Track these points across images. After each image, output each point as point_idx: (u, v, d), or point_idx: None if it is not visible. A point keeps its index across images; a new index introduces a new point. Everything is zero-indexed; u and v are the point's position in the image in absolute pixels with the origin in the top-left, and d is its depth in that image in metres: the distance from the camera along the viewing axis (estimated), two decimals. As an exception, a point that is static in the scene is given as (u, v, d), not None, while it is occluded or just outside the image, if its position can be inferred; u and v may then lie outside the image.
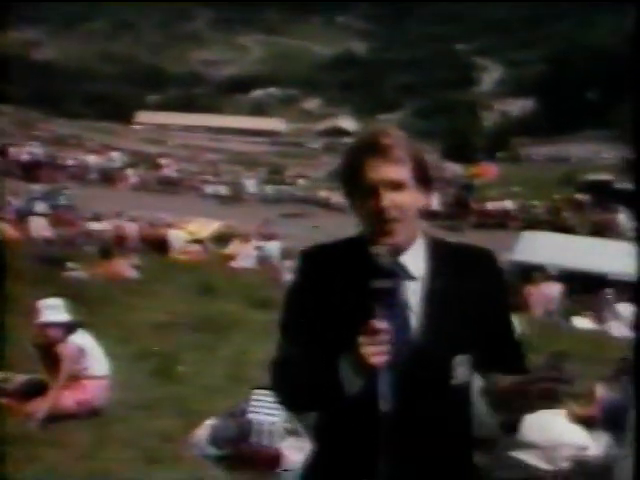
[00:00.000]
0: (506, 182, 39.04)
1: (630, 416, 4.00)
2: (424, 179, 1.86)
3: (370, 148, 1.82)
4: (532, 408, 1.82)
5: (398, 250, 1.82)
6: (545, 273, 13.39)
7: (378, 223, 1.80)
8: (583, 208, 31.75)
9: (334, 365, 1.74)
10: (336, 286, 1.85)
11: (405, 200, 1.80)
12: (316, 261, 1.93)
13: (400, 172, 1.81)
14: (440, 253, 1.89)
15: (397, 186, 1.80)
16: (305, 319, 1.88)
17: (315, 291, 1.87)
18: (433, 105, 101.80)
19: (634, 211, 19.55)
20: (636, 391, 3.25)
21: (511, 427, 1.85)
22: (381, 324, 1.70)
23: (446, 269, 1.87)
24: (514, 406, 1.84)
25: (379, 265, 1.75)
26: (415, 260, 1.86)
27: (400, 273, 1.82)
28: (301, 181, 41.13)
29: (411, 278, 1.84)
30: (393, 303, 1.78)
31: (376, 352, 1.69)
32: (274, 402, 4.89)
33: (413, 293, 1.84)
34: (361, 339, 1.70)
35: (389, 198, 1.78)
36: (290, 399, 1.95)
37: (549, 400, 1.57)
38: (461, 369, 1.84)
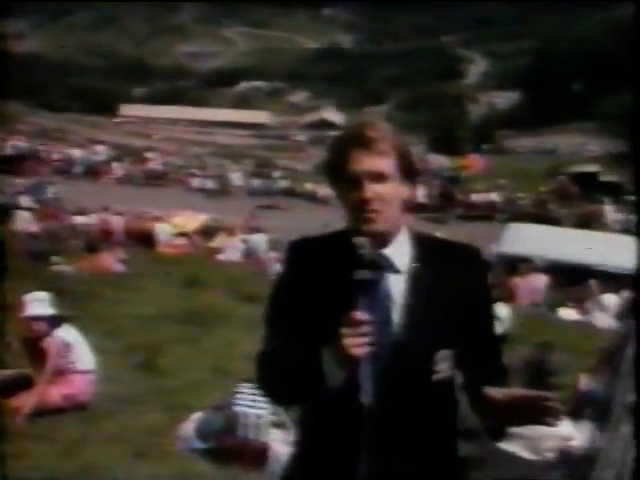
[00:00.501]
0: (492, 174, 39.11)
1: (616, 405, 4.03)
2: (408, 172, 1.87)
3: (355, 140, 1.83)
4: (521, 422, 1.81)
5: (381, 242, 1.83)
6: (531, 265, 13.44)
7: (360, 213, 1.80)
8: (569, 200, 31.90)
9: (317, 357, 1.74)
10: (321, 278, 1.85)
11: (388, 192, 1.81)
12: (303, 253, 1.94)
13: (384, 164, 1.81)
14: (425, 247, 1.90)
15: (380, 178, 1.81)
16: (290, 311, 1.88)
17: (301, 283, 1.88)
18: (419, 97, 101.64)
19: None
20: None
21: (498, 435, 1.85)
22: (363, 315, 1.70)
23: (431, 263, 1.87)
24: (503, 417, 1.86)
25: (360, 256, 1.75)
26: (399, 252, 1.86)
27: (384, 265, 1.83)
28: (288, 174, 41.03)
29: (395, 270, 1.84)
30: (376, 295, 1.78)
31: (357, 344, 1.69)
32: (260, 395, 4.89)
33: (396, 286, 1.84)
34: (343, 331, 1.70)
35: (372, 189, 1.79)
36: (274, 391, 1.95)
37: (539, 415, 1.58)
38: (444, 364, 1.84)
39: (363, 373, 1.73)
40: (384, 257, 1.84)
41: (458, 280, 1.87)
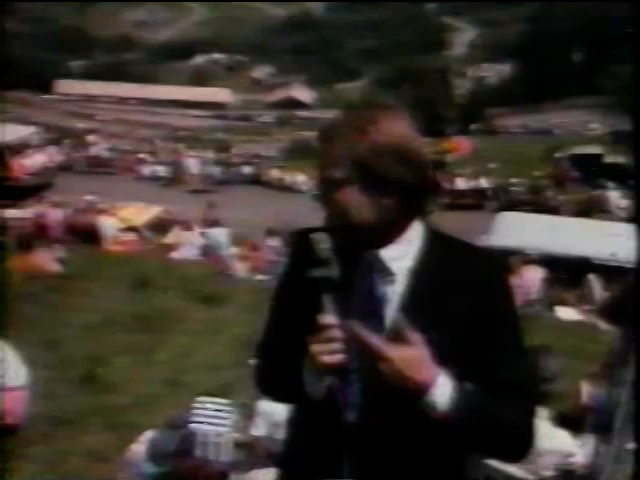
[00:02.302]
0: (481, 158, 39.45)
1: (620, 416, 4.06)
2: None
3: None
4: None
5: (377, 241, 1.81)
6: (525, 259, 13.55)
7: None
8: (568, 186, 32.22)
9: (299, 365, 1.76)
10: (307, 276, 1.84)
11: None
12: (305, 244, 1.88)
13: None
14: (439, 246, 1.86)
15: None
16: (285, 305, 1.94)
17: (297, 277, 1.87)
18: (398, 72, 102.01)
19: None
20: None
21: None
22: (327, 319, 1.68)
23: (439, 266, 1.83)
24: None
25: (316, 253, 1.74)
26: (403, 252, 1.83)
27: (375, 265, 1.81)
28: (251, 160, 40.97)
29: (389, 274, 1.82)
30: (369, 301, 1.78)
31: (326, 351, 1.67)
32: (220, 410, 4.88)
33: (393, 291, 1.82)
34: (310, 337, 1.69)
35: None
36: (266, 388, 2.02)
37: None
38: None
39: (350, 388, 1.73)
40: (378, 259, 1.82)
41: (474, 287, 1.81)
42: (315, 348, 1.68)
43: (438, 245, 1.86)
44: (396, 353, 1.65)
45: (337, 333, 1.68)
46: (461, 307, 1.80)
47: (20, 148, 27.66)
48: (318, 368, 1.70)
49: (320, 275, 1.72)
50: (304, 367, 1.74)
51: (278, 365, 1.88)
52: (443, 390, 1.67)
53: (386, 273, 1.82)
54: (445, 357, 1.75)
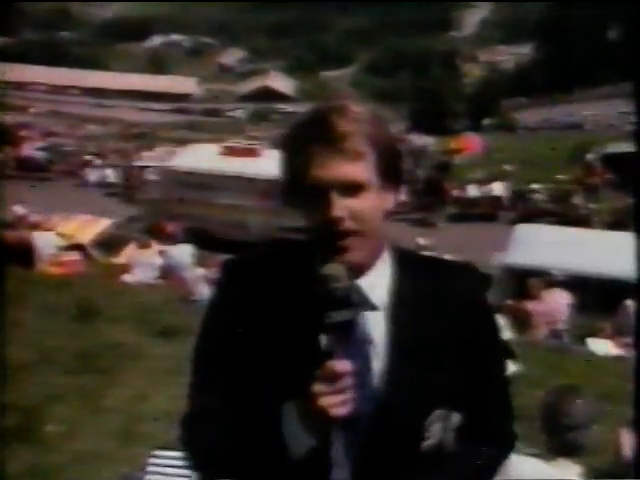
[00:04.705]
0: (495, 159, 39.58)
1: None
2: (392, 173, 1.84)
3: (317, 134, 1.78)
4: None
5: (357, 270, 1.81)
6: (549, 279, 13.56)
7: (329, 238, 1.77)
8: (600, 191, 32.31)
9: (274, 419, 1.73)
10: (273, 310, 1.84)
11: (365, 207, 1.78)
12: (245, 275, 1.91)
13: (359, 170, 1.77)
14: (411, 272, 1.90)
15: (355, 189, 1.77)
16: (231, 354, 1.86)
17: (244, 316, 1.86)
18: (396, 57, 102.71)
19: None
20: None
21: None
22: (343, 366, 1.68)
23: (418, 293, 1.87)
24: None
25: (334, 292, 1.71)
26: (378, 282, 1.86)
27: (357, 300, 1.80)
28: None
29: (371, 307, 1.83)
30: (350, 339, 1.76)
31: (338, 403, 1.67)
32: (180, 466, 4.85)
33: (375, 327, 1.83)
34: (317, 387, 1.67)
35: (343, 205, 1.75)
36: (211, 469, 1.92)
37: None
38: (437, 426, 1.85)
39: (335, 442, 1.74)
40: (358, 290, 1.82)
41: (454, 314, 1.88)
42: (326, 401, 1.66)
43: (410, 268, 1.91)
44: None
45: (351, 382, 1.69)
46: (447, 338, 1.87)
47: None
48: (316, 421, 1.69)
49: (341, 319, 1.70)
50: (286, 421, 1.71)
51: (236, 429, 1.79)
52: None
53: (368, 307, 1.83)
54: (439, 396, 1.85)
